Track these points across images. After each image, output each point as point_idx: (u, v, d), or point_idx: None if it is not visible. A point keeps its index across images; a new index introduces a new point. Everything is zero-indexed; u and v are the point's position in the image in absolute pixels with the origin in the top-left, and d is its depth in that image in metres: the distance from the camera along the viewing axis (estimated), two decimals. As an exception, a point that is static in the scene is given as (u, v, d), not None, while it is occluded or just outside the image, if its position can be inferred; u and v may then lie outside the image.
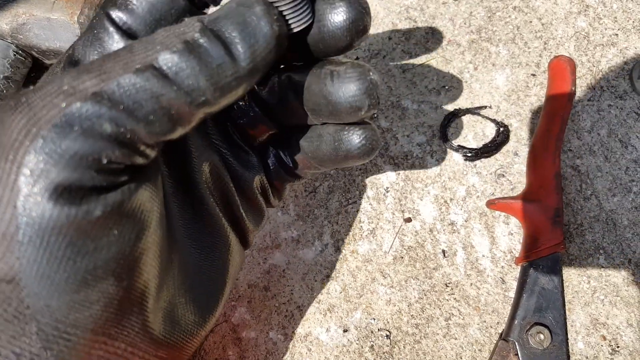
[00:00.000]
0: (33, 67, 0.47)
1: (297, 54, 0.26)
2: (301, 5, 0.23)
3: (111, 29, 0.23)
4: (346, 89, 0.24)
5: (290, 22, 0.23)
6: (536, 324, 0.34)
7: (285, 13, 0.23)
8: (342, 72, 0.24)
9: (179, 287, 0.26)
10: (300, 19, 0.23)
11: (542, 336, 0.34)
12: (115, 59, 0.19)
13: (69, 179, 0.18)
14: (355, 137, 0.27)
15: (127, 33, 0.23)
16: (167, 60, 0.19)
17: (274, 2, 0.22)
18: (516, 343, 0.35)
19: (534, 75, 0.43)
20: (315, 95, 0.25)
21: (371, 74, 0.24)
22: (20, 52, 0.44)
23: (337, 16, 0.24)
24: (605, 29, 0.44)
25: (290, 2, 0.22)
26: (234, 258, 0.30)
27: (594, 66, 0.44)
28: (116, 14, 0.23)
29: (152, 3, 0.23)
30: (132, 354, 0.22)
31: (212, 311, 0.28)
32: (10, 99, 0.19)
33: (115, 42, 0.23)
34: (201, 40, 0.19)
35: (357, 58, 0.45)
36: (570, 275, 0.38)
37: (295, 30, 0.23)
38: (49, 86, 0.19)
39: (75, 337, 0.20)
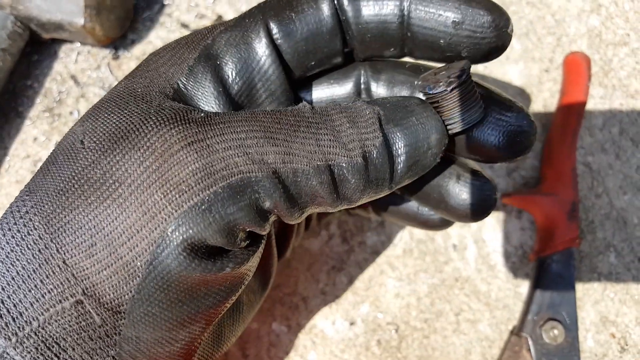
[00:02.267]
0: (29, 41, 0.45)
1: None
2: (473, 105, 0.20)
3: (264, 40, 0.22)
4: (465, 196, 0.23)
5: (454, 124, 0.21)
6: (550, 319, 0.34)
7: (452, 115, 0.21)
8: (469, 179, 0.24)
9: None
10: (469, 122, 0.21)
11: (556, 332, 0.34)
12: (302, 139, 0.19)
13: (218, 243, 0.18)
14: None
15: (275, 48, 0.22)
16: (343, 168, 0.19)
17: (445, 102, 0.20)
18: (529, 338, 0.34)
19: (547, 70, 0.43)
20: (431, 185, 0.25)
21: (495, 193, 0.24)
22: (18, 23, 0.43)
23: (495, 134, 0.21)
24: (618, 28, 0.45)
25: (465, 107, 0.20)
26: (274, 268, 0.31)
27: (606, 64, 0.44)
28: (275, 27, 0.22)
29: (312, 34, 0.22)
30: None
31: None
32: (185, 124, 0.19)
33: (262, 51, 0.22)
34: (377, 160, 0.20)
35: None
36: (581, 272, 0.38)
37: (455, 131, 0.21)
38: (231, 136, 0.18)
39: None
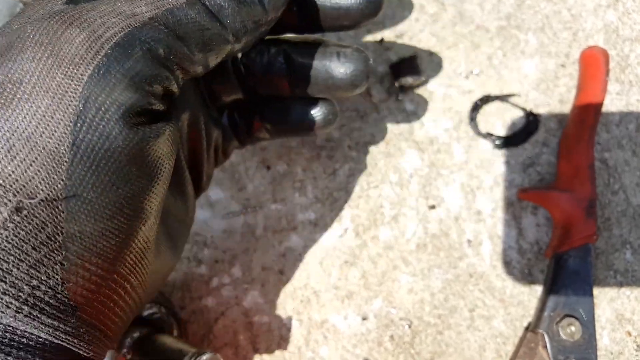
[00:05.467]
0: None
1: (296, 21, 0.29)
2: None
3: None
4: (350, 67, 0.29)
5: None
6: (567, 315, 0.34)
7: None
8: (349, 53, 0.29)
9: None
10: None
11: (573, 328, 0.34)
12: None
13: (131, 101, 0.19)
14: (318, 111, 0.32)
15: None
16: None
17: None
18: (545, 335, 0.34)
19: (563, 65, 0.43)
20: (317, 70, 0.29)
21: (370, 60, 0.30)
22: (24, 10, 0.42)
23: None
24: (635, 24, 0.45)
25: None
26: (193, 208, 0.31)
27: (623, 60, 0.44)
28: None
29: None
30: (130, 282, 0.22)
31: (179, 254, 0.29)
32: (59, 14, 0.19)
33: None
34: None
35: (382, 39, 0.44)
36: (597, 269, 0.38)
37: None
38: (102, 6, 0.20)
39: (95, 268, 0.19)
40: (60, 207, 0.18)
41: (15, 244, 0.18)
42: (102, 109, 0.18)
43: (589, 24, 0.45)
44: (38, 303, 0.18)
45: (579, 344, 0.34)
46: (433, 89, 0.43)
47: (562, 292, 0.35)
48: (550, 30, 0.45)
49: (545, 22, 0.45)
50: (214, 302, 0.39)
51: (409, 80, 0.41)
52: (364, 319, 0.38)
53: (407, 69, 0.42)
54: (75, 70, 0.18)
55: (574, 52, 0.44)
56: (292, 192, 0.41)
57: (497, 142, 0.41)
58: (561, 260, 0.36)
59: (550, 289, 0.35)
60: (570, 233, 0.36)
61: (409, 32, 0.45)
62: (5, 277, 0.17)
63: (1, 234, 0.17)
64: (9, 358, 0.17)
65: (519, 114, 0.42)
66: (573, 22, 0.45)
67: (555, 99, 0.43)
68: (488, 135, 0.41)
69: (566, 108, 0.42)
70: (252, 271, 0.40)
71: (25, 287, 0.18)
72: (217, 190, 0.42)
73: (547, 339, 0.34)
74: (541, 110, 0.42)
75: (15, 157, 0.17)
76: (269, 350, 0.38)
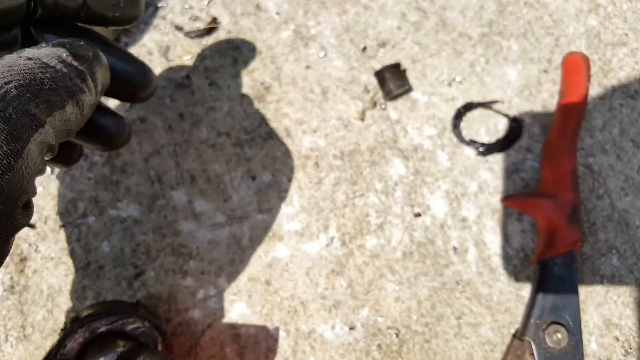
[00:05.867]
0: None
1: None
2: None
3: None
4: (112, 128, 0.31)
5: None
6: (553, 322, 0.34)
7: None
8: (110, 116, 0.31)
9: None
10: None
11: (559, 335, 0.33)
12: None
13: None
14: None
15: None
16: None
17: None
18: (532, 342, 0.34)
19: (545, 71, 0.43)
20: (89, 123, 0.29)
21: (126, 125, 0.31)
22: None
23: None
24: (616, 29, 0.45)
25: None
26: None
27: (605, 65, 0.44)
28: None
29: None
30: None
31: None
32: None
33: None
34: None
35: (365, 47, 0.44)
36: (584, 275, 0.38)
37: None
38: None
39: None
40: None
41: None
42: None
43: (571, 29, 0.45)
44: None
45: (565, 350, 0.34)
46: (416, 97, 0.43)
47: (547, 299, 0.35)
48: (533, 36, 0.44)
49: (527, 28, 0.45)
50: (201, 314, 0.39)
51: (393, 88, 0.41)
52: (352, 328, 0.38)
53: (391, 77, 0.41)
54: None
55: (557, 57, 0.44)
56: (277, 202, 0.41)
57: (481, 149, 0.41)
58: (546, 266, 0.35)
59: (536, 296, 0.35)
60: (555, 239, 0.36)
61: (391, 41, 0.44)
62: None
63: None
64: None
65: (503, 120, 0.42)
66: (555, 28, 0.45)
67: (539, 105, 0.42)
68: (472, 142, 0.41)
69: (549, 114, 0.42)
70: (238, 282, 0.39)
71: None
72: (201, 202, 0.41)
73: (534, 347, 0.34)
74: (524, 116, 0.42)
75: None
76: (256, 363, 0.38)
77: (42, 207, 0.42)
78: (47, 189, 0.42)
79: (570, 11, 0.45)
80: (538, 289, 0.35)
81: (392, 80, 0.41)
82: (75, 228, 0.42)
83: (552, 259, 0.35)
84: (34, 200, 0.42)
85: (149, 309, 0.37)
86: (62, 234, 0.42)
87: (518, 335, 0.35)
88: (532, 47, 0.44)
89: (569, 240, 0.35)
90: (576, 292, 0.35)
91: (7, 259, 0.42)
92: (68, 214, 0.42)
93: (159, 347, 0.34)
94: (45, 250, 0.41)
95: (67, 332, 0.32)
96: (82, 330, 0.32)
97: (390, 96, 0.42)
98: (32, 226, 0.42)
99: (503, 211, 0.40)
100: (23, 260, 0.41)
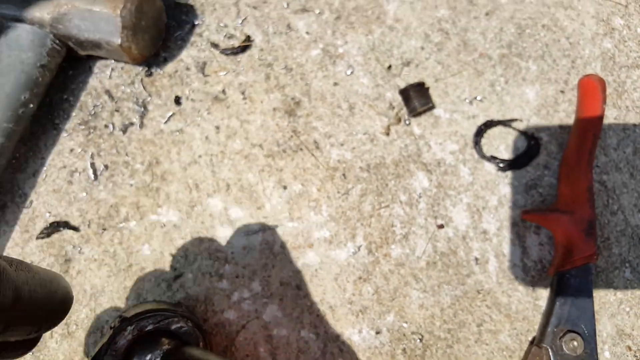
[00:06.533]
0: (66, 57, 0.46)
1: None
2: None
3: None
4: None
5: None
6: (569, 331, 0.35)
7: None
8: None
9: None
10: None
11: (575, 343, 0.35)
12: None
13: None
14: None
15: None
16: None
17: None
18: (549, 349, 0.35)
19: (562, 92, 0.45)
20: None
21: None
22: (57, 41, 0.44)
23: None
24: (630, 52, 0.46)
25: None
26: None
27: (620, 86, 0.45)
28: None
29: None
30: None
31: None
32: None
33: None
34: None
35: (390, 66, 0.46)
36: (598, 286, 0.39)
37: None
38: None
39: None
40: None
41: None
42: None
43: (587, 51, 0.46)
44: None
45: (581, 358, 0.35)
46: (439, 114, 0.44)
47: (564, 309, 0.36)
48: (550, 58, 0.46)
49: (545, 50, 0.46)
50: (235, 316, 0.41)
51: (417, 105, 0.43)
52: (378, 332, 0.39)
53: (415, 95, 0.43)
54: None
55: (573, 78, 0.45)
56: (307, 210, 0.43)
57: (501, 164, 0.42)
58: (563, 278, 0.37)
59: (553, 305, 0.37)
60: (572, 253, 0.37)
61: (415, 60, 0.46)
62: None
63: None
64: None
65: (521, 138, 0.43)
66: (571, 50, 0.46)
67: (556, 123, 0.44)
68: (492, 158, 0.42)
69: (566, 132, 0.43)
70: (270, 286, 0.41)
71: None
72: (236, 209, 0.43)
73: (551, 354, 0.35)
74: (542, 134, 0.44)
75: None
76: (287, 363, 0.39)
77: (85, 211, 0.44)
78: (90, 194, 0.44)
79: (586, 34, 0.47)
80: (555, 299, 0.37)
81: (417, 98, 0.43)
82: (117, 232, 0.43)
83: (569, 271, 0.37)
84: (79, 204, 0.44)
85: (190, 310, 0.39)
86: (105, 237, 0.43)
87: (536, 343, 0.37)
88: (549, 68, 0.46)
89: (585, 253, 0.37)
90: (591, 303, 0.36)
91: (53, 260, 0.44)
92: (110, 218, 0.44)
93: (201, 345, 0.36)
94: (88, 252, 0.43)
95: (117, 330, 0.34)
96: (132, 328, 0.34)
97: (414, 113, 0.43)
98: (77, 229, 0.44)
99: (522, 224, 0.41)
100: (67, 261, 0.43)
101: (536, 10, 0.47)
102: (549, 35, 0.47)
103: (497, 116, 0.44)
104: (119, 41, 0.43)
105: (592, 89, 0.41)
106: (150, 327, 0.35)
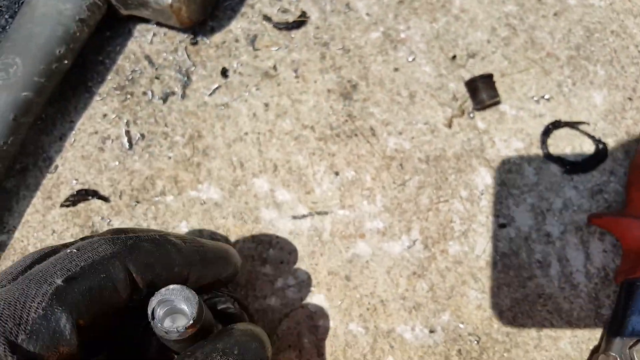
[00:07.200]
0: (105, 15, 0.47)
1: None
2: None
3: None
4: None
5: None
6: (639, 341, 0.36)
7: None
8: None
9: None
10: None
11: (647, 353, 0.36)
12: None
13: None
14: None
15: None
16: None
17: None
18: (618, 358, 0.36)
19: (630, 99, 0.47)
20: None
21: None
22: (99, -5, 0.44)
23: None
24: (699, 65, 0.48)
25: None
26: None
27: (688, 99, 0.47)
28: None
29: None
30: None
31: None
32: None
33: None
34: None
35: (455, 56, 0.47)
36: (663, 299, 0.41)
37: None
38: None
39: None
40: None
41: None
42: None
43: (655, 61, 0.48)
44: None
45: (651, 368, 0.36)
46: (504, 110, 0.46)
47: (635, 317, 0.37)
48: (618, 64, 0.48)
49: (613, 55, 0.48)
50: (279, 303, 0.41)
51: (485, 98, 0.44)
52: (432, 331, 0.40)
53: (483, 87, 0.44)
54: None
55: (641, 87, 0.47)
56: (360, 199, 0.43)
57: (567, 166, 0.44)
58: (633, 285, 0.38)
59: (623, 313, 0.38)
60: (643, 260, 0.38)
61: (481, 53, 0.48)
62: None
63: None
64: None
65: (588, 141, 0.45)
66: (640, 58, 0.48)
67: (622, 130, 0.46)
68: (558, 160, 0.44)
69: (633, 139, 0.45)
70: (317, 275, 0.41)
71: None
72: (283, 192, 0.44)
73: (620, 362, 0.37)
74: (609, 139, 0.45)
75: None
76: (334, 356, 0.40)
77: (117, 181, 0.44)
78: (123, 163, 0.45)
79: (654, 43, 0.49)
80: (625, 307, 0.38)
81: (485, 90, 0.44)
82: (152, 205, 0.44)
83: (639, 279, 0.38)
84: (110, 174, 0.44)
85: (236, 291, 0.39)
86: (138, 210, 0.44)
87: (603, 351, 0.38)
88: (617, 74, 0.48)
89: (658, 261, 0.38)
90: (663, 313, 0.38)
91: (78, 230, 0.44)
92: (145, 191, 0.44)
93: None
94: (118, 224, 0.44)
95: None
96: None
97: (481, 105, 0.45)
98: (106, 199, 0.44)
99: (586, 230, 0.42)
100: (94, 233, 0.43)
101: (605, 16, 0.49)
102: (617, 41, 0.49)
103: (564, 117, 0.46)
104: (169, 0, 0.43)
105: (666, 96, 0.43)
106: None
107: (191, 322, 0.26)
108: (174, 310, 0.27)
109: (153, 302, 0.26)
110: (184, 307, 0.26)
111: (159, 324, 0.26)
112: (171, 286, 0.27)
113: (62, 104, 0.47)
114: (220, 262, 0.33)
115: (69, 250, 0.26)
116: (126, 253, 0.26)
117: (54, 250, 0.27)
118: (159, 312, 0.27)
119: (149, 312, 0.27)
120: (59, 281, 0.24)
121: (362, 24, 0.49)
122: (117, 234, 0.28)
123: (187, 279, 0.29)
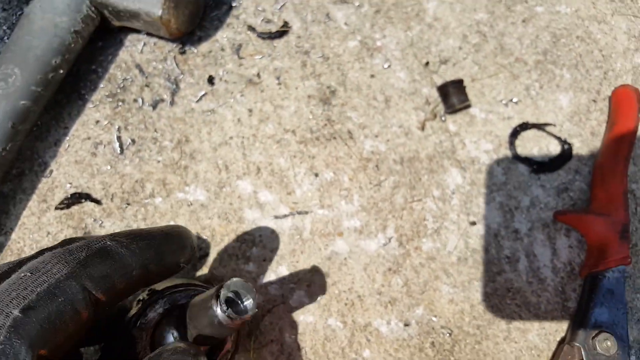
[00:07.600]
0: (98, 26, 0.46)
1: None
2: None
3: None
4: None
5: None
6: (603, 331, 0.36)
7: None
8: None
9: None
10: None
11: (608, 343, 0.36)
12: None
13: None
14: None
15: None
16: None
17: None
18: (582, 348, 0.36)
19: (594, 101, 0.47)
20: None
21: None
22: (92, 8, 0.44)
23: None
24: (660, 69, 0.48)
25: None
26: None
27: (649, 101, 0.47)
28: None
29: None
30: None
31: None
32: None
33: None
34: None
35: (428, 63, 0.47)
36: (626, 292, 0.41)
37: None
38: None
39: None
40: None
41: None
42: None
43: (619, 65, 0.48)
44: None
45: (613, 358, 0.36)
46: (474, 113, 0.46)
47: (597, 309, 0.37)
48: (583, 68, 0.48)
49: (578, 60, 0.48)
50: (261, 299, 0.41)
51: (455, 102, 0.44)
52: (406, 325, 0.40)
53: (454, 92, 0.44)
54: None
55: (605, 89, 0.47)
56: (338, 199, 0.43)
57: (534, 166, 0.43)
58: (596, 279, 0.38)
59: (587, 305, 0.38)
60: (605, 254, 0.38)
61: (452, 59, 0.48)
62: None
63: None
64: None
65: (554, 142, 0.45)
66: (604, 62, 0.48)
67: (587, 131, 0.46)
68: (526, 160, 0.44)
69: (597, 140, 0.45)
70: (298, 272, 0.41)
71: None
72: (266, 193, 0.43)
73: (583, 353, 0.36)
74: (574, 140, 0.45)
75: None
76: (314, 350, 0.39)
77: (109, 184, 0.44)
78: (114, 167, 0.44)
79: (618, 48, 0.49)
80: (589, 299, 0.38)
81: (455, 95, 0.44)
82: (142, 207, 0.43)
83: (602, 272, 0.38)
84: (102, 177, 0.44)
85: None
86: (128, 212, 0.43)
87: (568, 341, 0.38)
88: (582, 78, 0.48)
89: (619, 255, 0.38)
90: (624, 304, 0.37)
91: (72, 232, 0.44)
92: (135, 193, 0.44)
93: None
94: (110, 226, 0.43)
95: (148, 302, 0.34)
96: (163, 301, 0.34)
97: (452, 109, 0.44)
98: (98, 202, 0.44)
99: (552, 226, 0.42)
100: (87, 234, 0.43)
101: (571, 22, 0.49)
102: (582, 46, 0.49)
103: (531, 119, 0.45)
104: (159, 12, 0.43)
105: (628, 98, 0.43)
106: (182, 301, 0.34)
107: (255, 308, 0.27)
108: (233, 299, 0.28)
109: (224, 293, 0.27)
110: (249, 295, 0.27)
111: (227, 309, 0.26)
112: (234, 279, 0.27)
113: (56, 111, 0.47)
114: (175, 246, 0.30)
115: (22, 275, 0.23)
116: (81, 270, 0.24)
117: (6, 273, 0.24)
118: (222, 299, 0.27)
119: (222, 299, 0.27)
120: (15, 312, 0.21)
121: (341, 33, 0.48)
122: (68, 244, 0.26)
123: (147, 278, 0.28)
